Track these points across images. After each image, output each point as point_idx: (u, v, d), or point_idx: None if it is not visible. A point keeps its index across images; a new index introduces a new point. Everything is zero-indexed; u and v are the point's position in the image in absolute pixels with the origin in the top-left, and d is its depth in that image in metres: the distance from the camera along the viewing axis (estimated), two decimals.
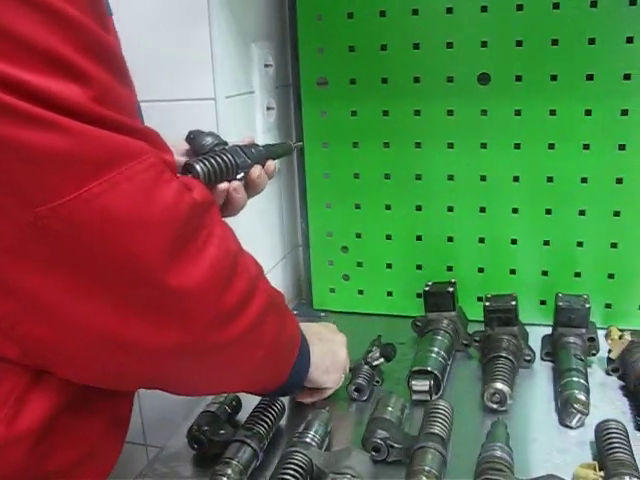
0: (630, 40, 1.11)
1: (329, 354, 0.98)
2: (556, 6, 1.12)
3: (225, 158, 0.88)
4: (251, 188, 0.93)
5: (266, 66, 1.27)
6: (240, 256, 0.72)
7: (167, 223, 0.60)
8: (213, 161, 0.86)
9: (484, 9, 1.16)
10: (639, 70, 1.12)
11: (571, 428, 0.95)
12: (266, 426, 0.93)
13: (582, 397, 0.95)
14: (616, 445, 0.83)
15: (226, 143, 0.92)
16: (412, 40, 1.21)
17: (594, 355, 1.12)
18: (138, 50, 1.15)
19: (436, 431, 0.87)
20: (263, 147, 0.97)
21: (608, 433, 0.85)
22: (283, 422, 1.00)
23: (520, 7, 1.14)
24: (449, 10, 1.18)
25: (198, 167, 0.84)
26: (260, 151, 0.95)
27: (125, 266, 0.58)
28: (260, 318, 0.73)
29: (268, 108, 1.28)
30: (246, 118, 1.22)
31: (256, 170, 0.92)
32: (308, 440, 0.87)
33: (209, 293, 0.65)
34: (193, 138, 0.91)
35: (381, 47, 1.23)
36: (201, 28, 1.12)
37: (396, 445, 0.87)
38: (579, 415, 0.94)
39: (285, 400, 1.00)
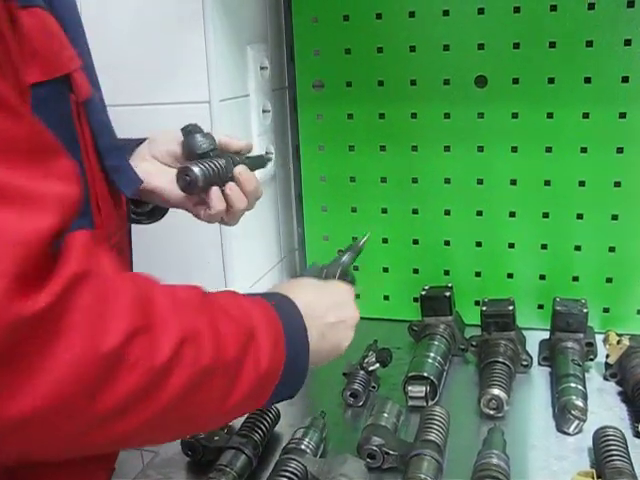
0: (628, 43, 1.10)
1: (329, 351, 0.81)
2: (553, 8, 1.12)
3: (220, 167, 0.87)
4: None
5: (262, 69, 1.26)
6: (134, 343, 0.52)
7: None
8: (210, 168, 0.85)
9: (481, 11, 1.15)
10: (637, 73, 1.11)
11: (569, 435, 0.94)
12: (261, 433, 0.92)
13: (580, 403, 0.94)
14: (614, 452, 0.82)
15: (216, 148, 0.90)
16: (408, 43, 1.20)
17: (592, 360, 1.11)
18: (133, 53, 1.15)
19: (432, 438, 0.86)
20: (246, 158, 0.94)
21: (606, 440, 0.85)
22: (278, 428, 0.99)
23: (517, 9, 1.14)
24: (445, 12, 1.17)
25: (197, 170, 0.83)
26: (241, 161, 0.92)
27: None
28: (173, 402, 0.56)
29: (264, 111, 1.27)
30: (241, 121, 1.21)
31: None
32: (303, 447, 0.87)
33: (57, 410, 0.49)
34: (189, 132, 0.89)
35: (377, 50, 1.22)
36: (196, 31, 1.11)
37: (392, 452, 0.86)
38: (577, 421, 0.93)
39: (280, 406, 0.99)
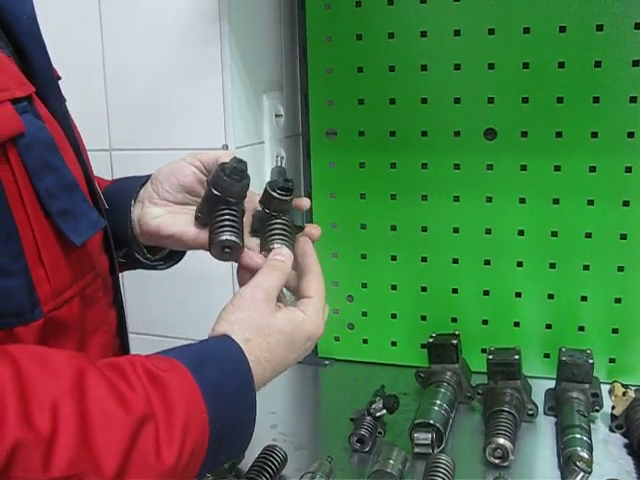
0: (634, 99, 1.13)
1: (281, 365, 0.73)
2: (561, 65, 1.15)
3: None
4: None
5: (276, 116, 1.29)
6: None
7: None
8: (240, 224, 0.79)
9: (491, 66, 1.19)
10: None
11: None
12: (268, 476, 0.93)
13: (585, 455, 0.94)
14: None
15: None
16: (420, 95, 1.23)
17: (597, 411, 1.11)
18: (151, 98, 1.19)
19: None
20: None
21: None
22: (285, 472, 1.00)
23: (526, 65, 1.17)
24: (457, 66, 1.20)
25: (234, 239, 0.77)
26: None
27: None
28: None
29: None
30: (256, 167, 1.24)
31: None
32: None
33: None
34: (224, 170, 0.78)
35: (390, 101, 1.25)
36: (214, 78, 1.15)
37: None
38: (582, 473, 0.93)
39: (288, 450, 1.00)
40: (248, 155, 1.20)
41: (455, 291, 1.30)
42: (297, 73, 1.35)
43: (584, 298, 1.24)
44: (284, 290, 0.78)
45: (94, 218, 0.70)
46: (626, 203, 1.18)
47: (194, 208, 0.82)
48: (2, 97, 0.59)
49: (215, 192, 0.77)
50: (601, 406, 1.11)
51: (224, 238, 0.75)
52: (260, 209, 0.81)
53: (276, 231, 0.78)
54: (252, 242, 0.80)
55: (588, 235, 1.21)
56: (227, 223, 0.76)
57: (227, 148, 1.16)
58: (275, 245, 0.77)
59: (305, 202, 0.84)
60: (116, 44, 1.18)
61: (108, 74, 1.21)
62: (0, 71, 0.61)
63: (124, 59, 1.19)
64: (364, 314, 1.37)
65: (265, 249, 0.78)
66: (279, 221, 0.79)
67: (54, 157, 0.65)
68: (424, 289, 1.32)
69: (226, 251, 0.76)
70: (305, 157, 1.35)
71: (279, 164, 0.85)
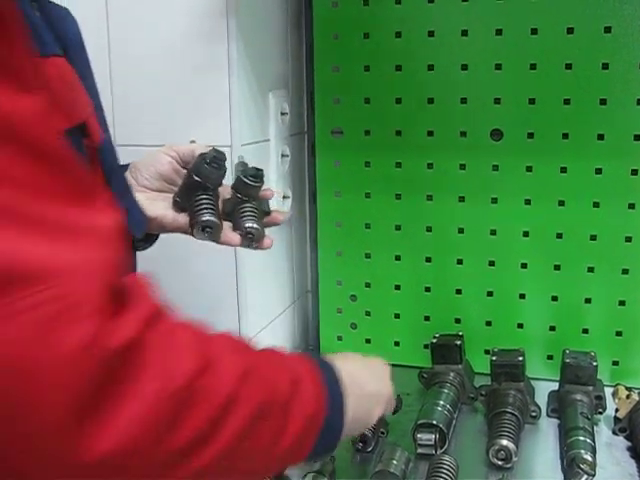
0: None
1: (359, 420, 0.79)
2: (568, 66, 1.15)
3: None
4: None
5: (282, 114, 1.29)
6: (202, 379, 0.54)
7: (70, 376, 0.45)
8: (216, 206, 0.89)
9: (498, 67, 1.19)
10: None
11: None
12: (270, 475, 0.93)
13: (588, 457, 0.94)
14: None
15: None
16: (427, 94, 1.23)
17: (601, 414, 1.11)
18: (156, 94, 1.18)
19: None
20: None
21: None
22: (288, 471, 0.99)
23: (533, 66, 1.17)
24: (464, 67, 1.20)
25: (214, 219, 0.86)
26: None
27: (18, 427, 0.44)
28: (238, 438, 0.57)
29: (282, 155, 1.30)
30: (261, 165, 1.23)
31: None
32: None
33: (139, 448, 0.49)
34: (204, 159, 0.88)
35: (396, 100, 1.25)
36: (220, 76, 1.14)
37: None
38: (585, 476, 0.93)
39: None
40: (253, 153, 1.20)
41: (459, 292, 1.30)
42: (303, 71, 1.35)
43: (588, 300, 1.24)
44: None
45: (141, 217, 0.81)
46: (631, 206, 1.18)
47: (169, 195, 0.90)
48: (89, 111, 0.67)
49: (196, 178, 0.86)
50: (604, 409, 1.11)
51: (205, 219, 0.84)
52: (232, 195, 0.90)
53: (247, 212, 0.88)
54: (224, 224, 0.89)
55: (593, 237, 1.20)
56: (207, 206, 0.86)
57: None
58: (247, 224, 0.87)
59: (269, 193, 0.95)
60: (122, 40, 1.18)
61: (113, 70, 1.20)
62: (78, 86, 0.67)
63: (130, 55, 1.18)
64: (367, 314, 1.37)
65: (238, 228, 0.87)
66: (249, 205, 0.89)
67: (116, 163, 0.76)
68: (428, 289, 1.32)
69: (207, 230, 0.85)
70: (310, 155, 1.34)
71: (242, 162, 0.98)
